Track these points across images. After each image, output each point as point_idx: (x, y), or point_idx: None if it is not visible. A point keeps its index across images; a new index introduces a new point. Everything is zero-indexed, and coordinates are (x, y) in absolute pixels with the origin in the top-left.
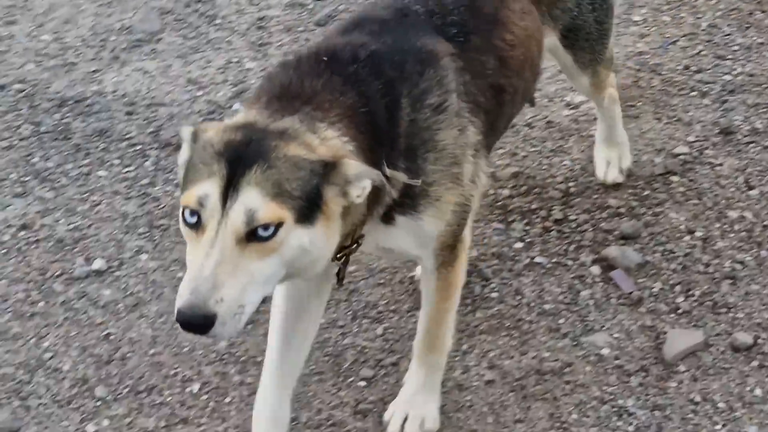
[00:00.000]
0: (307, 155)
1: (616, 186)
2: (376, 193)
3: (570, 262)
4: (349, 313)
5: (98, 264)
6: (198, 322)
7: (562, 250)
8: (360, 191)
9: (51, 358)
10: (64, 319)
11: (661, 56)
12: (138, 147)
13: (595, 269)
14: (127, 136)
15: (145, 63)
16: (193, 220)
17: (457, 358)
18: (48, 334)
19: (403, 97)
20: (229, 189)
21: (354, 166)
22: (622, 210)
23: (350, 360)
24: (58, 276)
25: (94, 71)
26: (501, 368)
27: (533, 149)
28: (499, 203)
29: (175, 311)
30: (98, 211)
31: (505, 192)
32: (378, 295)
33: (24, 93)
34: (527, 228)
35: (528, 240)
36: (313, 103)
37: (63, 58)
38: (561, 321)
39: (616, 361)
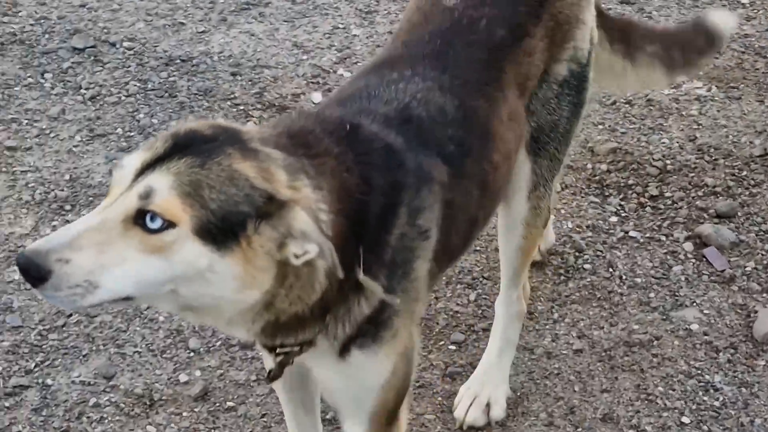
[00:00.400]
0: (254, 180)
1: (714, 165)
2: (341, 297)
3: (663, 238)
4: (443, 279)
5: None
6: (29, 269)
7: (656, 226)
8: (300, 251)
9: (147, 308)
10: None
11: (767, 39)
12: (241, 107)
13: (688, 246)
14: (231, 96)
15: (253, 26)
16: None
17: (547, 327)
18: None
19: (402, 205)
20: (152, 168)
21: (305, 219)
22: (719, 189)
23: (442, 324)
24: None
25: (201, 32)
26: (590, 338)
27: (632, 126)
28: (596, 177)
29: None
30: None
31: (603, 167)
32: (473, 262)
33: (133, 51)
34: (623, 203)
35: (623, 214)
36: (316, 161)
37: (172, 18)
38: (652, 295)
39: (705, 337)
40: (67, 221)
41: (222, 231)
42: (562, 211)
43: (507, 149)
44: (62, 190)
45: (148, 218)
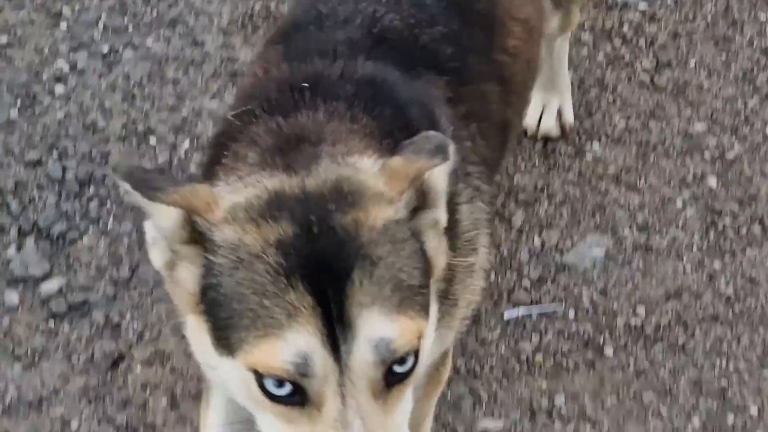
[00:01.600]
0: (398, 212)
1: None
2: None
3: None
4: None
5: None
6: None
7: None
8: (444, 213)
9: None
10: None
11: None
12: None
13: None
14: None
15: None
16: (284, 391)
17: None
18: None
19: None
20: (331, 325)
21: (437, 173)
22: None
23: None
24: None
25: None
26: None
27: None
28: None
29: None
30: None
31: None
32: None
33: None
34: None
35: None
36: (327, 141)
37: None
38: None
39: None
40: None
41: (428, 297)
42: None
43: (524, 32)
44: None
45: (396, 368)
